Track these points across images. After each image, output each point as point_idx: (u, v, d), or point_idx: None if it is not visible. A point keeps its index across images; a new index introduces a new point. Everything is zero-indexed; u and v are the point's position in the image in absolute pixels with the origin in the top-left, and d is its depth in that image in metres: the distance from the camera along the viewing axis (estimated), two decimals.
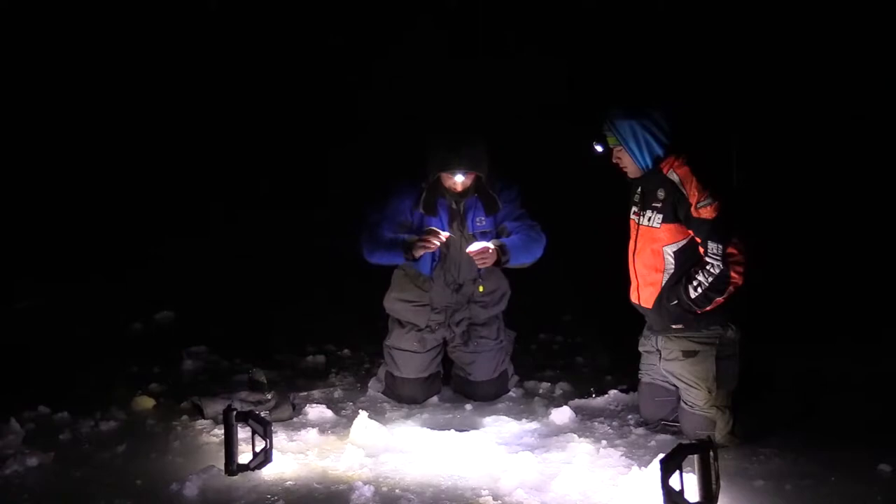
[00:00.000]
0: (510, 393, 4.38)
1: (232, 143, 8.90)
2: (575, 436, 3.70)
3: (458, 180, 4.05)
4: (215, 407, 3.87)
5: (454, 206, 4.15)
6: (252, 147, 8.98)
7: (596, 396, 4.24)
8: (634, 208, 3.72)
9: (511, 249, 4.05)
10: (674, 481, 2.66)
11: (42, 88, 8.56)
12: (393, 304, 4.34)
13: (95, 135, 8.64)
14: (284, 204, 8.46)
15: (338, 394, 4.43)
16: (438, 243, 3.98)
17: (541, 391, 4.43)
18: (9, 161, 8.02)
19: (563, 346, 5.36)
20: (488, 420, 3.99)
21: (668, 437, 3.65)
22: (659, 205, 3.56)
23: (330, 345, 5.28)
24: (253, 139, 9.02)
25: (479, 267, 4.10)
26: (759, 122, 7.22)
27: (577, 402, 4.17)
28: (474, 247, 3.99)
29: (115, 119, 8.75)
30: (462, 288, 4.27)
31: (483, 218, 4.18)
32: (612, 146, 3.64)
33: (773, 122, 7.33)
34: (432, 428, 3.89)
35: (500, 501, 3.04)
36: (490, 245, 4.01)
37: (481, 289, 4.26)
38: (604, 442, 3.60)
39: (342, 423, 3.90)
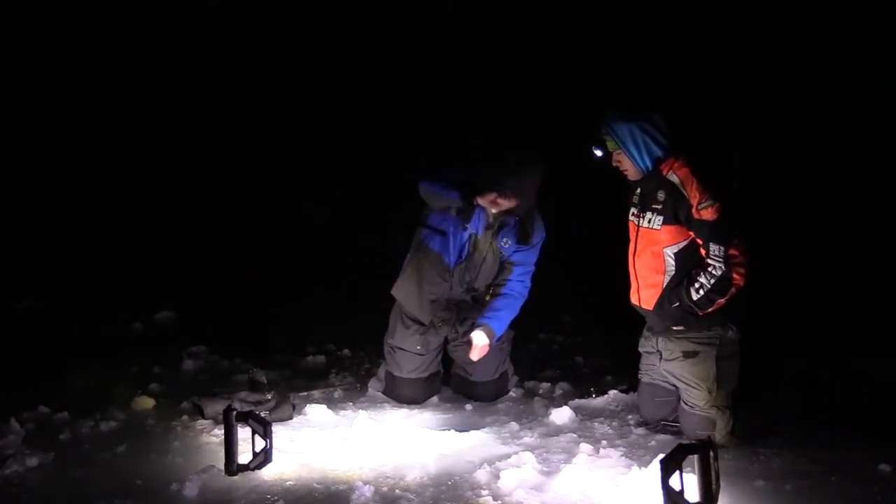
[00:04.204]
0: (510, 393, 4.39)
1: (232, 142, 8.90)
2: (575, 436, 3.70)
3: (495, 208, 4.09)
4: (215, 407, 3.86)
5: (490, 220, 4.17)
6: (252, 147, 8.99)
7: (596, 396, 4.24)
8: (634, 210, 3.72)
9: (497, 333, 4.20)
10: (674, 481, 2.66)
11: (42, 88, 8.56)
12: (407, 293, 4.26)
13: (96, 134, 8.64)
14: (284, 204, 8.47)
15: (338, 394, 4.43)
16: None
17: (541, 391, 4.43)
18: (9, 161, 8.03)
19: (563, 346, 5.36)
20: (488, 420, 3.99)
21: (668, 437, 3.66)
22: (659, 206, 3.56)
23: (330, 345, 5.28)
24: (253, 139, 9.02)
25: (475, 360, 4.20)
26: (757, 123, 7.22)
27: (577, 402, 4.18)
28: (476, 353, 4.15)
29: (115, 118, 8.76)
30: (474, 291, 4.29)
31: (510, 241, 4.21)
32: (611, 150, 3.64)
33: (772, 122, 7.33)
34: (432, 428, 3.89)
35: (500, 501, 3.04)
36: (486, 343, 4.15)
37: (488, 298, 4.32)
38: (604, 442, 3.60)
39: (342, 423, 3.90)
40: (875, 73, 7.20)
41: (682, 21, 7.99)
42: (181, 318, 5.94)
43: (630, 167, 3.63)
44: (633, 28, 8.37)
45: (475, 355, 4.15)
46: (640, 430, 3.77)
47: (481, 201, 4.05)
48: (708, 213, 3.42)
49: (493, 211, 4.11)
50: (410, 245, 4.33)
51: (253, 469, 3.24)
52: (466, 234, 4.17)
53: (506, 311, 4.23)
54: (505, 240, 4.20)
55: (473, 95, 8.96)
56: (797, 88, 7.42)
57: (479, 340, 4.14)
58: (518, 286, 4.27)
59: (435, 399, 4.33)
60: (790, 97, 7.39)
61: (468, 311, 4.32)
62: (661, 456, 2.74)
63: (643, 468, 3.13)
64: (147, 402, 4.17)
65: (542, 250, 4.30)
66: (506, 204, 4.04)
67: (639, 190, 3.68)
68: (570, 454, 3.47)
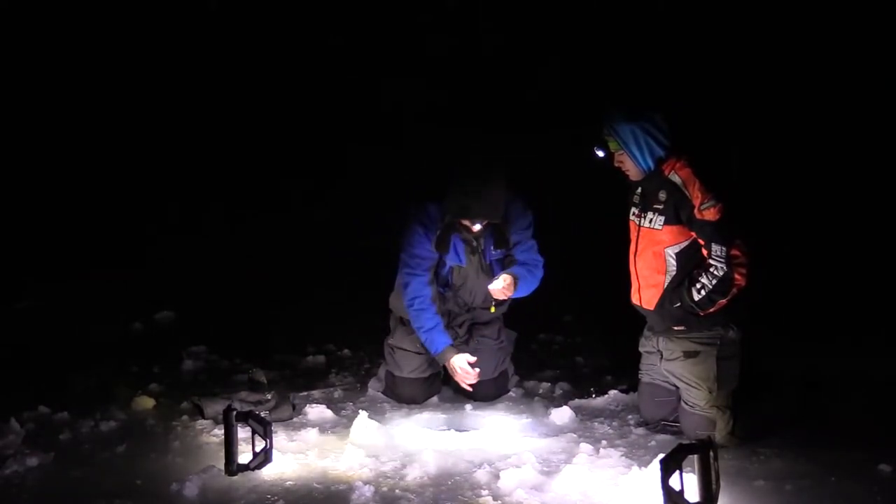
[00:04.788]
0: (510, 393, 4.38)
1: (232, 142, 8.90)
2: (575, 436, 3.70)
3: (475, 228, 4.05)
4: (215, 407, 3.87)
5: (473, 242, 4.12)
6: (252, 147, 8.99)
7: (596, 396, 4.24)
8: (634, 210, 3.71)
9: (520, 285, 4.09)
10: (674, 481, 2.66)
11: (42, 88, 8.56)
12: (399, 304, 4.30)
13: (96, 134, 8.64)
14: (284, 204, 8.46)
15: (338, 394, 4.43)
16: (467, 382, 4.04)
17: (541, 391, 4.43)
18: (10, 160, 8.03)
19: (563, 346, 5.36)
20: (488, 420, 3.99)
21: (668, 437, 3.66)
22: (660, 206, 3.55)
23: (330, 345, 5.28)
24: (253, 139, 9.02)
25: (500, 298, 4.12)
26: (757, 123, 7.23)
27: (577, 402, 4.18)
28: (497, 286, 4.02)
29: (115, 118, 8.76)
30: (472, 311, 4.29)
31: (493, 247, 4.18)
32: (613, 150, 3.63)
33: (772, 123, 7.33)
34: (432, 428, 3.89)
35: (500, 501, 3.05)
36: (509, 278, 4.03)
37: (493, 309, 4.29)
38: (604, 442, 3.60)
39: (342, 423, 3.90)
40: (875, 73, 7.20)
41: (683, 21, 7.99)
42: (181, 318, 5.94)
43: (632, 167, 3.62)
44: (634, 28, 8.37)
45: (500, 294, 4.04)
46: (640, 430, 3.77)
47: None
48: (710, 214, 3.42)
49: (474, 231, 4.06)
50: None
51: (253, 469, 3.24)
52: (446, 269, 4.16)
53: (526, 281, 4.11)
54: (492, 248, 4.16)
55: (473, 95, 8.96)
56: (797, 89, 7.42)
57: (499, 283, 4.04)
58: (529, 259, 4.18)
59: (435, 399, 4.32)
60: (790, 97, 7.39)
61: (465, 315, 4.31)
62: (661, 456, 2.74)
63: (643, 468, 3.12)
64: (147, 402, 4.17)
65: (535, 229, 4.22)
66: (480, 227, 4.02)
67: (639, 190, 3.67)
68: (570, 454, 3.47)
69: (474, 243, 4.12)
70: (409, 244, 4.08)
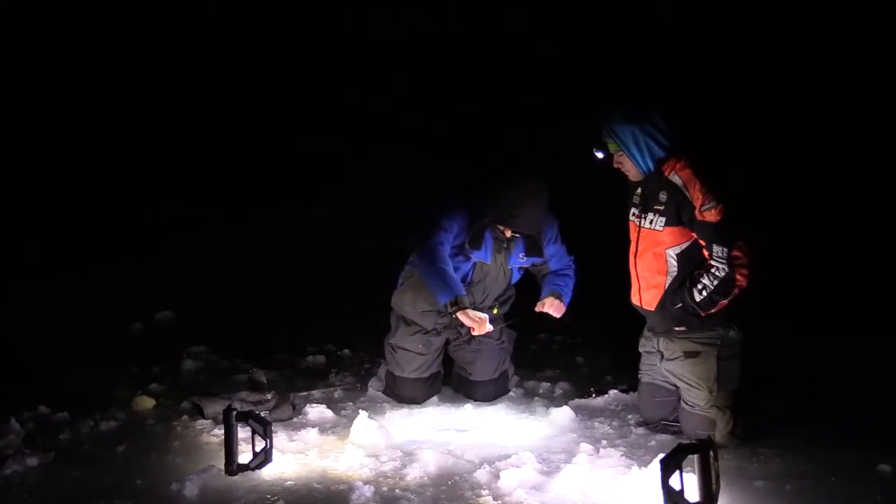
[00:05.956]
0: (510, 393, 4.39)
1: (231, 142, 8.91)
2: (575, 436, 3.70)
3: (510, 234, 4.09)
4: (215, 407, 3.86)
5: (504, 244, 4.15)
6: (251, 146, 8.99)
7: (596, 396, 4.24)
8: (635, 210, 3.71)
9: (564, 299, 4.22)
10: (674, 481, 2.66)
11: (42, 88, 8.57)
12: (402, 303, 4.31)
13: (96, 134, 8.65)
14: (284, 204, 8.47)
15: (338, 394, 4.43)
16: (473, 331, 4.01)
17: (541, 391, 4.43)
18: (10, 160, 8.03)
19: (563, 346, 5.36)
20: (488, 420, 3.99)
21: (668, 437, 3.66)
22: (661, 208, 3.55)
23: (330, 345, 5.28)
24: (252, 138, 9.03)
25: (556, 315, 4.20)
26: (758, 123, 7.23)
27: (577, 402, 4.18)
28: (553, 308, 4.15)
29: (115, 118, 8.76)
30: (476, 310, 4.28)
31: (523, 255, 4.21)
32: (613, 152, 3.62)
33: (773, 122, 7.34)
34: (432, 428, 3.89)
35: (500, 501, 3.04)
36: (561, 304, 4.17)
37: (496, 311, 4.29)
38: (604, 442, 3.60)
39: (342, 423, 3.90)
40: (873, 75, 7.21)
41: (685, 23, 8.00)
42: (181, 318, 5.94)
43: (632, 168, 3.61)
44: (636, 30, 8.38)
45: (555, 312, 4.15)
46: (640, 430, 3.77)
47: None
48: (711, 215, 3.41)
49: (508, 236, 4.11)
50: (410, 253, 4.31)
51: (253, 469, 3.24)
52: (469, 265, 4.17)
53: (566, 291, 4.23)
54: (520, 254, 4.20)
55: (473, 95, 8.97)
56: (797, 89, 7.43)
57: (551, 304, 4.15)
58: (563, 265, 4.29)
59: (435, 399, 4.32)
60: (791, 98, 7.40)
61: None
62: (661, 456, 2.74)
63: (643, 468, 3.12)
64: (147, 402, 4.17)
65: (563, 236, 4.30)
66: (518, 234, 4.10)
67: (639, 190, 3.67)
68: (570, 454, 3.47)
69: (505, 244, 4.15)
70: (449, 213, 4.07)
